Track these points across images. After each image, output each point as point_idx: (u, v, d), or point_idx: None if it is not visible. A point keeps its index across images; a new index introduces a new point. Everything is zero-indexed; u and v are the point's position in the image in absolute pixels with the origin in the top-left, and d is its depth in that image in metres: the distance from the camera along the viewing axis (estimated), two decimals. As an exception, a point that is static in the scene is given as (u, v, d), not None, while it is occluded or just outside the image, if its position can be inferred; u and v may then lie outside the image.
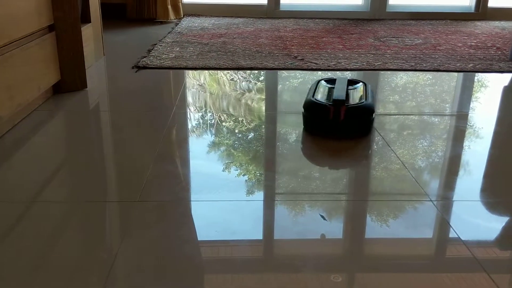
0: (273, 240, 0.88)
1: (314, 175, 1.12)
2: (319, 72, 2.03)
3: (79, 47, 1.70)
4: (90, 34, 2.04)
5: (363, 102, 1.34)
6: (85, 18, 2.06)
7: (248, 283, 0.76)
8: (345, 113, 1.28)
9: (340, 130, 1.31)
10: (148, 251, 0.83)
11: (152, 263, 0.80)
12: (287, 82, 1.88)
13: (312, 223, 0.92)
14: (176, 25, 3.07)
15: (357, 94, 1.42)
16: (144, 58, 2.16)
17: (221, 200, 1.00)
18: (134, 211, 0.95)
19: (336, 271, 0.79)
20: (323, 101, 1.34)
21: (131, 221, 0.92)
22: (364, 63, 2.16)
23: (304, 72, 2.03)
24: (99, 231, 0.89)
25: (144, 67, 2.03)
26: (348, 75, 2.00)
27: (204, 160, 1.19)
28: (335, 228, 0.91)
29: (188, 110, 1.54)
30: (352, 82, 1.52)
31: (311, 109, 1.33)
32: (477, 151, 1.27)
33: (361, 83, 1.52)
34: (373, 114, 1.34)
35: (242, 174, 1.12)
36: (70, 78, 1.71)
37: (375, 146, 1.29)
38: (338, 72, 2.04)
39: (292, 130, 1.39)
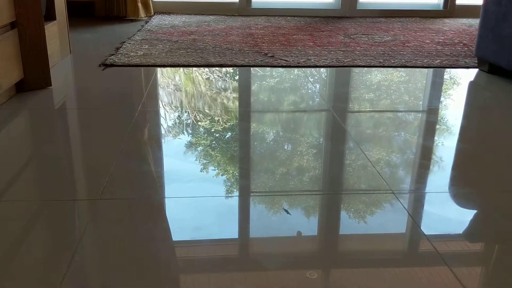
0: (248, 238, 0.87)
1: (288, 173, 1.11)
2: (295, 70, 2.03)
3: (43, 44, 1.66)
4: (55, 31, 2.00)
5: None
6: (50, 15, 2.01)
7: (223, 282, 0.75)
8: None
9: None
10: (108, 249, 0.81)
11: (112, 262, 0.78)
12: (256, 79, 1.87)
13: (286, 220, 0.92)
14: (146, 23, 3.04)
15: None
16: (112, 56, 2.12)
17: (186, 197, 0.99)
18: (95, 209, 0.93)
19: (312, 267, 0.79)
20: None
21: (91, 219, 0.90)
22: (334, 60, 2.16)
23: (275, 69, 2.03)
24: (57, 229, 0.87)
25: (112, 65, 2.00)
26: (321, 71, 2.00)
27: (169, 157, 1.18)
28: (298, 224, 0.91)
29: (154, 108, 1.52)
30: None
31: None
32: (444, 145, 1.29)
33: None
34: None
35: (210, 170, 1.11)
36: (33, 76, 1.67)
37: (347, 144, 1.29)
38: (307, 68, 2.04)
39: (264, 127, 1.39)
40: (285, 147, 1.25)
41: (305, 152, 1.22)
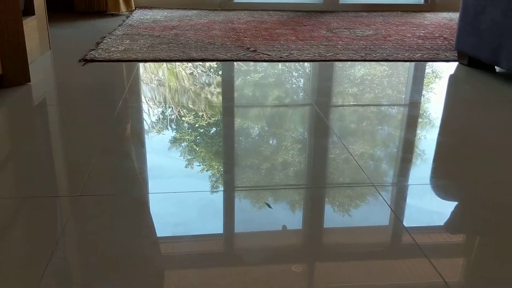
0: (233, 233, 0.87)
1: (272, 168, 1.11)
2: (278, 64, 2.03)
3: (21, 40, 1.64)
4: (35, 27, 1.97)
5: None
6: (29, 10, 1.98)
7: (207, 277, 0.75)
8: None
9: None
10: (88, 246, 0.81)
11: (92, 258, 0.78)
12: (238, 74, 1.87)
13: (270, 215, 0.92)
14: (127, 18, 3.01)
15: None
16: (92, 51, 2.10)
17: (168, 192, 0.98)
18: (75, 205, 0.92)
19: (297, 261, 0.79)
20: None
21: (71, 216, 0.89)
22: (316, 54, 2.17)
23: (257, 63, 2.03)
24: (37, 226, 0.86)
25: (92, 60, 1.98)
26: (304, 65, 2.01)
27: (150, 152, 1.17)
28: (282, 218, 0.91)
29: (136, 103, 1.51)
30: None
31: None
32: (425, 138, 1.30)
33: None
34: None
35: (194, 165, 1.11)
36: (12, 72, 1.64)
37: (330, 138, 1.30)
38: (290, 63, 2.04)
39: (247, 122, 1.39)
40: (269, 142, 1.25)
41: (289, 147, 1.22)
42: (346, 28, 2.81)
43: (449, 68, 2.02)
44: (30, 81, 1.69)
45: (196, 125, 1.35)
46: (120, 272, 0.75)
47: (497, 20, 1.78)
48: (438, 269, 0.77)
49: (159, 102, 1.53)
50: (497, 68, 2.01)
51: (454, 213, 0.94)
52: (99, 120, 1.36)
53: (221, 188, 1.01)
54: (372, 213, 0.93)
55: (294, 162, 1.14)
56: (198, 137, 1.27)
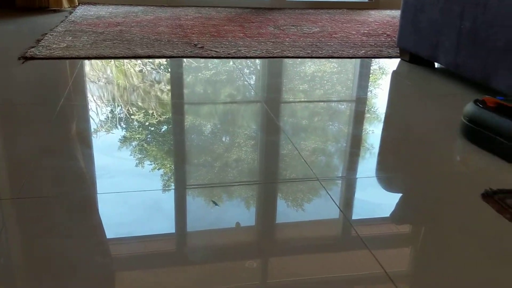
0: (185, 232, 0.86)
1: (220, 165, 1.11)
2: (225, 61, 2.02)
3: (-46, 36, 1.56)
4: (-31, 22, 1.88)
5: None
6: (-37, 5, 1.89)
7: (161, 276, 0.74)
8: None
9: None
10: (27, 250, 0.78)
11: (33, 263, 0.75)
12: (185, 71, 1.85)
13: (223, 212, 0.92)
14: (70, 14, 2.92)
15: None
16: (32, 48, 2.03)
17: (113, 192, 0.96)
18: (12, 209, 0.89)
19: (251, 257, 0.79)
20: None
21: (8, 220, 0.86)
22: (264, 51, 2.18)
23: (204, 60, 2.01)
24: (-29, 233, 0.82)
25: (32, 58, 1.90)
26: (252, 62, 2.01)
27: (95, 152, 1.14)
28: (228, 215, 0.91)
29: (77, 102, 1.47)
30: None
31: None
32: (369, 133, 1.33)
33: None
34: None
35: (143, 164, 1.09)
36: None
37: (277, 135, 1.30)
38: (237, 59, 2.04)
39: (196, 120, 1.38)
40: (221, 139, 1.25)
41: (241, 144, 1.23)
42: (293, 25, 2.84)
43: (392, 64, 2.08)
44: (-36, 80, 1.61)
45: (146, 123, 1.33)
46: (61, 276, 0.73)
47: (435, 18, 1.85)
48: (379, 260, 0.79)
49: (107, 101, 1.49)
50: (436, 64, 2.08)
51: (396, 205, 0.97)
52: (40, 120, 1.31)
53: (172, 187, 1.00)
54: (317, 207, 0.95)
55: (239, 159, 1.14)
56: (149, 136, 1.25)
